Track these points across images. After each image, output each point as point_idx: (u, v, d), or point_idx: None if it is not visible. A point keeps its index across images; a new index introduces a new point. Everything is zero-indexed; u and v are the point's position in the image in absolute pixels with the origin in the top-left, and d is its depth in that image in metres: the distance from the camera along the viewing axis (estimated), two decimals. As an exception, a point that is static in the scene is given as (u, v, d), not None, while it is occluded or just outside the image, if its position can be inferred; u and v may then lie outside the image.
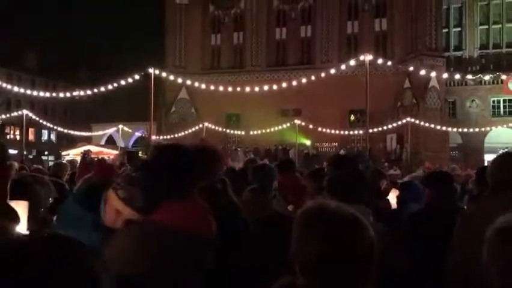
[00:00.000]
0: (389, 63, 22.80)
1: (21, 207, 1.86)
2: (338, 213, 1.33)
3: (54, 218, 3.66)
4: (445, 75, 27.59)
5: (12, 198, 1.87)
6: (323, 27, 35.37)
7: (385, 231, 2.57)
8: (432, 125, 27.48)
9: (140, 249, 1.39)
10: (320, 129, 29.68)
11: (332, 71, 20.27)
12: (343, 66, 19.18)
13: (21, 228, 1.85)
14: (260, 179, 4.20)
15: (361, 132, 28.92)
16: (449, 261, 2.65)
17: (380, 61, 19.63)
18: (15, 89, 21.48)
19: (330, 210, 1.34)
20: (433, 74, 25.14)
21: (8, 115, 27.91)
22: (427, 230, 3.27)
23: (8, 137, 41.73)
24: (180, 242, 1.43)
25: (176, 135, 31.42)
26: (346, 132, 30.91)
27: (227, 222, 2.89)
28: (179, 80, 25.47)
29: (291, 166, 5.87)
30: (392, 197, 4.89)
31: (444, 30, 34.79)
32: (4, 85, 20.78)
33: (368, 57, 17.24)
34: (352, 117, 34.09)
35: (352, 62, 18.43)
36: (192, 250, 1.46)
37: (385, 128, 28.02)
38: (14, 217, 1.58)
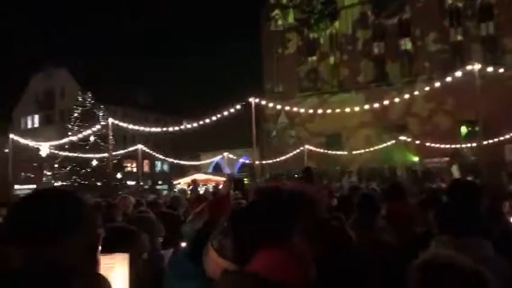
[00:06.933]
0: (501, 70, 21.06)
1: (120, 261, 1.81)
2: (457, 271, 1.24)
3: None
4: None
5: (115, 248, 1.84)
6: (424, 38, 33.88)
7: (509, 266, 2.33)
8: (559, 132, 24.70)
9: None
10: (427, 144, 28.15)
11: (437, 84, 19.21)
12: (449, 78, 18.10)
13: (123, 281, 1.79)
14: (361, 210, 4.14)
15: (474, 144, 26.90)
16: None
17: (490, 69, 18.20)
18: (130, 126, 23.46)
19: (447, 268, 1.25)
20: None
21: (125, 150, 30.37)
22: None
23: (126, 169, 45.33)
24: None
25: (278, 160, 31.75)
26: (458, 146, 28.91)
27: (342, 262, 2.84)
28: (278, 106, 25.90)
29: (400, 193, 5.59)
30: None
31: None
32: (121, 124, 22.81)
33: (476, 67, 16.10)
34: (463, 129, 31.94)
35: (458, 73, 17.32)
36: None
37: (501, 138, 25.74)
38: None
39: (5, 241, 1.13)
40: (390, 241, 3.88)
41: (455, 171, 24.54)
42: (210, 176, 33.40)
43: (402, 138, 27.81)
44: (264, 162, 32.19)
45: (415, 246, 2.62)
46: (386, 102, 21.76)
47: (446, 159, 29.81)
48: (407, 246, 3.14)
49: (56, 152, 30.36)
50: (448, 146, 27.95)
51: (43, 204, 1.20)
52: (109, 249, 1.73)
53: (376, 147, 29.04)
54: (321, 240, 2.83)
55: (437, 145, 27.67)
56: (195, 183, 21.33)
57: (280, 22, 38.89)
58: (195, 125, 21.50)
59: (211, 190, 21.12)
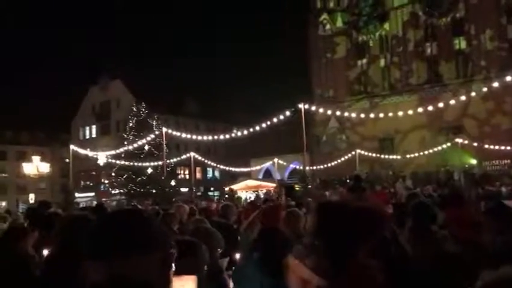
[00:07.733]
0: None
1: (188, 282, 1.82)
2: None
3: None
4: None
5: (177, 261, 1.89)
6: (480, 36, 32.56)
7: None
8: None
9: None
10: (486, 146, 26.96)
11: (495, 83, 18.38)
12: (508, 77, 17.27)
13: None
14: (415, 220, 4.05)
15: (538, 146, 25.54)
16: None
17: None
18: (183, 135, 24.08)
19: None
20: None
21: (178, 158, 31.08)
22: None
23: (179, 176, 46.32)
24: None
25: (329, 165, 31.38)
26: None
27: (396, 276, 2.79)
28: (329, 111, 25.62)
29: (460, 199, 5.39)
30: None
31: None
32: (174, 132, 23.47)
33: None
34: (525, 130, 30.35)
35: (518, 71, 16.49)
36: None
37: None
38: None
39: (87, 256, 1.21)
40: (456, 252, 3.71)
41: (517, 175, 23.35)
42: (261, 182, 33.52)
43: (458, 140, 26.79)
44: (314, 167, 31.92)
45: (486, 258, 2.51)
46: (441, 104, 21.06)
47: (507, 161, 28.45)
48: (475, 259, 3.01)
49: (113, 161, 31.54)
50: (508, 147, 26.66)
51: (121, 223, 1.27)
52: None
53: (431, 150, 28.13)
54: (374, 254, 2.78)
55: (497, 147, 26.47)
56: (232, 191, 21.74)
57: (328, 26, 38.57)
58: (246, 132, 21.71)
59: (262, 196, 21.29)
